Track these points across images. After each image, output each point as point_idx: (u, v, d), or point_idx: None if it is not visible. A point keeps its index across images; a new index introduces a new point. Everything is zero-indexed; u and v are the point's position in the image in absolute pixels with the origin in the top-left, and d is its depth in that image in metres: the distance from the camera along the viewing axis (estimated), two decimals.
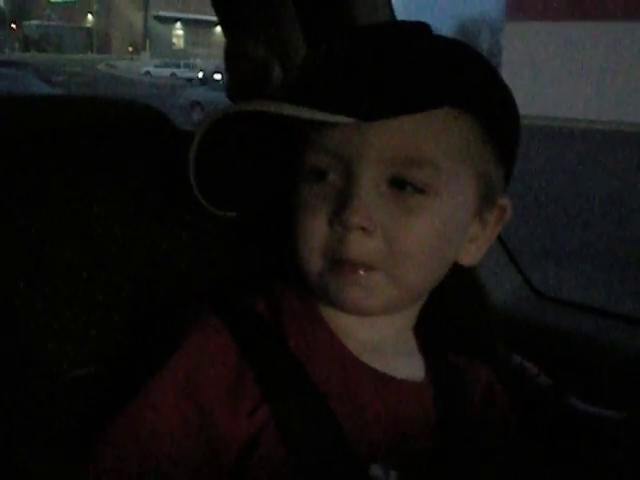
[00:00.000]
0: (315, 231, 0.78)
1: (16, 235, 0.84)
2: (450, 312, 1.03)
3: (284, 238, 0.82)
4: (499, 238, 1.36)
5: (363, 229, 0.76)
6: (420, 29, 0.82)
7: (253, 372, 0.77)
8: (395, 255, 0.77)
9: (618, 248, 6.66)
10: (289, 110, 0.72)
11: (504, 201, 0.87)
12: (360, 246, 0.76)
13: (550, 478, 0.93)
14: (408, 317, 0.88)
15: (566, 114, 23.02)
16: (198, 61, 50.36)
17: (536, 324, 1.24)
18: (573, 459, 0.97)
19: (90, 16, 70.24)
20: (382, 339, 0.85)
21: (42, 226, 0.85)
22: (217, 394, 0.75)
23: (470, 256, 0.87)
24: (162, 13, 67.07)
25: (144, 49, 61.02)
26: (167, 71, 47.98)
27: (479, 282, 1.14)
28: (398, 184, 0.77)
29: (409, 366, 0.87)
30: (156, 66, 49.40)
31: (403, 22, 0.93)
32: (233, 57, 1.29)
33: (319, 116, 0.72)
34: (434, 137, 0.77)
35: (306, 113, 0.72)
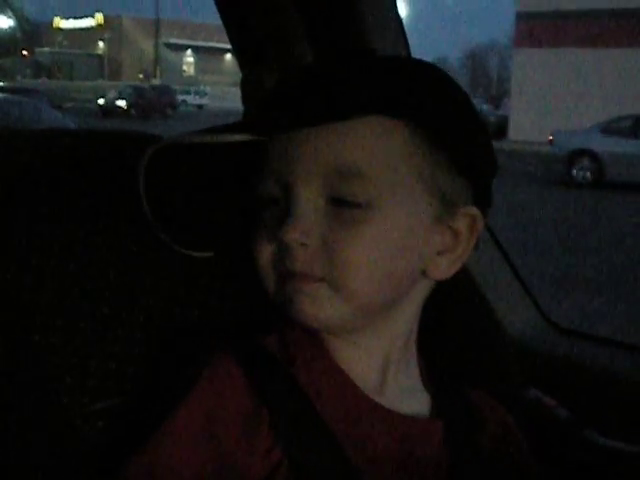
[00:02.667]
0: (262, 251, 0.81)
1: (35, 269, 0.84)
2: (463, 344, 1.03)
3: None
4: (512, 268, 1.35)
5: (302, 244, 0.77)
6: (364, 53, 0.84)
7: (267, 411, 0.76)
8: (336, 267, 0.77)
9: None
10: (194, 139, 0.81)
11: (472, 210, 0.84)
12: (301, 260, 0.78)
13: None
14: (388, 341, 0.85)
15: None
16: (208, 88, 50.79)
17: (552, 356, 1.23)
18: None
19: (101, 43, 70.92)
20: (387, 374, 0.84)
21: (61, 261, 0.85)
22: (235, 433, 0.75)
23: (440, 269, 0.84)
24: (173, 40, 67.70)
25: (154, 76, 61.53)
26: (178, 98, 48.37)
27: (493, 313, 1.14)
28: (336, 201, 0.78)
29: (416, 401, 0.86)
30: None
31: (350, 50, 0.98)
32: (250, 86, 1.30)
33: (220, 138, 0.80)
34: (363, 148, 0.78)
35: (205, 138, 0.81)
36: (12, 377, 0.79)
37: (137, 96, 33.74)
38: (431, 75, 0.82)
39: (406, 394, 0.85)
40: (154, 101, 34.26)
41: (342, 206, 0.78)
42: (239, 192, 0.88)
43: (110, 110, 31.89)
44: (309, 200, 0.78)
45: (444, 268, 0.85)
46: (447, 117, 0.82)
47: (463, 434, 0.86)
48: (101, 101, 33.49)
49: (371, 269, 0.78)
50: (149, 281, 0.90)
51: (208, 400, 0.76)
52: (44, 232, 0.87)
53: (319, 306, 0.79)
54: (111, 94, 34.08)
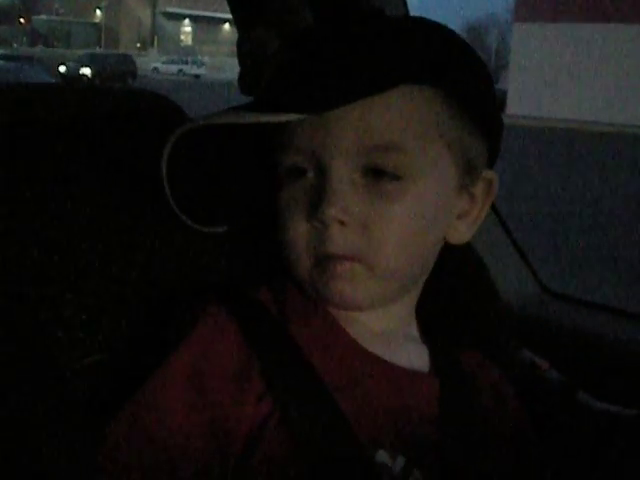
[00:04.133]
0: (296, 230, 0.79)
1: (27, 226, 0.84)
2: (460, 306, 1.03)
3: (273, 239, 0.83)
4: (510, 236, 1.35)
5: (340, 222, 0.76)
6: (374, 15, 0.82)
7: (258, 362, 0.77)
8: (373, 246, 0.77)
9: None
10: (233, 119, 0.75)
11: (489, 174, 0.86)
12: (339, 239, 0.76)
13: (560, 475, 0.93)
14: (407, 304, 0.87)
15: (574, 116, 23.02)
16: (206, 58, 50.54)
17: (546, 321, 1.24)
18: (582, 455, 0.97)
19: (99, 11, 70.40)
20: (385, 327, 0.84)
21: (51, 215, 0.85)
22: (224, 383, 0.75)
23: (460, 234, 0.86)
24: (170, 9, 67.21)
25: (152, 45, 61.18)
26: (174, 67, 48.18)
27: (489, 278, 1.14)
28: (372, 173, 0.77)
29: (414, 355, 0.86)
30: (164, 62, 49.62)
31: (357, 12, 0.94)
32: (246, 49, 1.29)
33: (264, 118, 0.74)
34: (398, 119, 0.77)
35: (250, 118, 0.74)
36: (3, 330, 0.79)
37: (99, 64, 32.22)
38: (453, 40, 0.81)
39: (406, 347, 0.86)
40: (115, 69, 32.69)
41: (379, 179, 0.77)
42: (256, 166, 0.86)
43: (73, 79, 29.94)
44: (346, 176, 0.77)
45: (463, 232, 0.86)
46: (473, 82, 0.82)
47: (457, 392, 0.87)
48: (62, 69, 31.82)
49: (407, 244, 0.78)
50: (143, 238, 0.89)
51: (198, 350, 0.76)
52: (49, 187, 0.86)
53: (356, 288, 0.78)
54: (71, 62, 32.71)
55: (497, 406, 0.91)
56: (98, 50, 46.72)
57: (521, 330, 1.19)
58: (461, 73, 0.80)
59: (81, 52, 38.43)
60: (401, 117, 0.77)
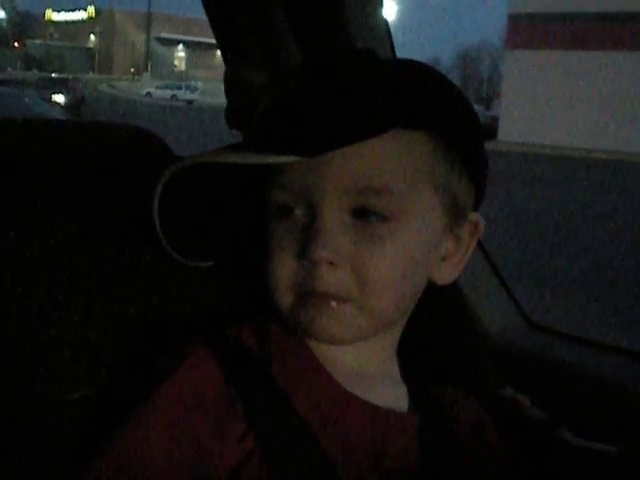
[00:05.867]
0: (284, 267, 0.79)
1: (10, 258, 0.84)
2: (440, 341, 1.03)
3: (258, 274, 0.83)
4: (492, 267, 1.36)
5: (330, 263, 0.77)
6: (365, 55, 0.83)
7: (240, 404, 0.77)
8: (364, 285, 0.78)
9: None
10: (227, 158, 0.77)
11: (475, 216, 0.87)
12: (329, 279, 0.77)
13: None
14: (389, 342, 0.88)
15: (565, 143, 23.12)
16: (199, 83, 50.65)
17: (529, 354, 1.23)
18: None
19: (93, 36, 70.59)
20: (366, 367, 0.85)
21: (35, 250, 0.85)
22: (207, 422, 0.76)
23: (445, 274, 0.87)
24: (164, 35, 67.47)
25: (145, 70, 61.33)
26: (168, 92, 48.23)
27: (471, 311, 1.14)
28: (361, 214, 0.78)
29: (393, 395, 0.87)
30: (157, 87, 49.71)
31: (348, 51, 0.95)
32: (233, 83, 1.30)
33: (255, 160, 0.75)
34: (389, 162, 0.78)
35: (243, 159, 0.76)
36: None
37: None
38: (443, 84, 0.82)
39: (386, 386, 0.86)
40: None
41: (367, 220, 0.78)
42: (245, 202, 0.87)
43: None
44: (335, 216, 0.78)
45: (448, 273, 0.87)
46: (462, 126, 0.83)
47: (436, 431, 0.87)
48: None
49: (395, 284, 0.79)
50: (125, 272, 0.90)
51: (181, 389, 0.76)
52: (35, 222, 0.87)
53: (342, 325, 0.79)
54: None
55: (476, 442, 0.92)
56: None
57: (504, 364, 1.19)
58: (451, 117, 0.82)
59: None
60: (391, 161, 0.78)
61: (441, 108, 0.81)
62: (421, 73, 0.82)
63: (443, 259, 0.86)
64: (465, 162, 0.83)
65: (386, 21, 1.28)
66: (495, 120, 26.93)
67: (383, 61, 0.83)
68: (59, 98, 26.37)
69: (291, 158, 0.74)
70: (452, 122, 0.81)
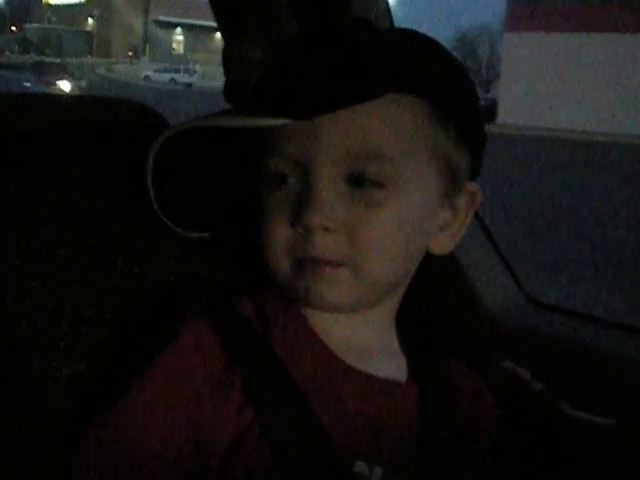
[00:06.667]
0: (279, 234, 0.80)
1: (6, 236, 0.84)
2: (441, 316, 1.03)
3: (255, 244, 0.83)
4: (493, 245, 1.36)
5: (325, 229, 0.77)
6: (361, 23, 0.82)
7: (239, 373, 0.77)
8: (359, 250, 0.78)
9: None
10: (220, 122, 0.76)
11: (473, 187, 0.87)
12: (324, 244, 0.77)
13: None
14: (386, 313, 0.87)
15: (564, 125, 23.11)
16: (198, 66, 50.51)
17: (529, 331, 1.24)
18: (563, 465, 0.97)
19: (91, 20, 70.34)
20: (363, 338, 0.85)
21: (31, 225, 0.85)
22: (205, 394, 0.76)
23: (441, 245, 0.87)
24: (162, 18, 67.20)
25: (144, 54, 61.14)
26: (166, 76, 48.07)
27: (472, 287, 1.14)
28: (356, 180, 0.78)
29: (391, 366, 0.87)
30: (155, 71, 49.54)
31: (344, 20, 0.95)
32: (231, 59, 1.29)
33: (250, 122, 0.75)
34: (383, 128, 0.77)
35: (236, 122, 0.75)
36: None
37: None
38: (441, 52, 0.82)
39: (384, 357, 0.86)
40: None
41: (363, 186, 0.78)
42: (239, 171, 0.87)
43: None
44: (330, 183, 0.77)
45: (445, 243, 0.87)
46: (459, 94, 0.83)
47: (436, 400, 0.87)
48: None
49: (391, 250, 0.79)
50: (123, 245, 0.90)
51: (179, 361, 0.76)
52: (31, 196, 0.87)
53: (339, 291, 0.79)
54: None
55: (477, 414, 0.92)
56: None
57: (505, 340, 1.19)
58: (448, 85, 0.81)
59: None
60: (387, 126, 0.77)
61: (437, 74, 0.80)
62: (418, 40, 0.81)
63: (441, 229, 0.86)
64: (462, 130, 0.82)
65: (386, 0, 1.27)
66: (494, 103, 26.90)
67: (379, 29, 0.83)
68: (64, 85, 24.84)
69: (284, 121, 0.74)
70: (448, 89, 0.81)
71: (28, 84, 12.32)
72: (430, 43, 0.81)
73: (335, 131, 0.76)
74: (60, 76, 25.48)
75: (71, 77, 26.37)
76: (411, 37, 0.81)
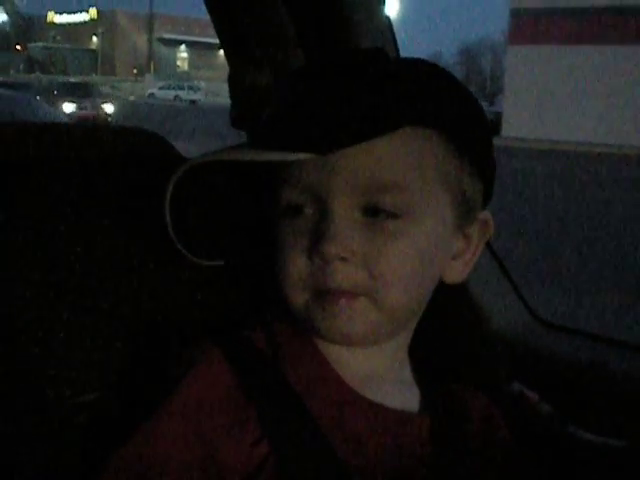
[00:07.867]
0: (295, 265, 0.79)
1: (19, 260, 0.85)
2: (449, 340, 1.03)
3: (269, 274, 0.83)
4: (500, 265, 1.36)
5: (342, 259, 0.77)
6: (376, 54, 0.83)
7: (255, 407, 0.77)
8: (376, 281, 0.78)
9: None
10: (242, 156, 0.77)
11: (485, 215, 0.88)
12: (341, 275, 0.77)
13: None
14: (400, 344, 0.87)
15: (568, 137, 23.09)
16: (202, 83, 50.68)
17: (538, 350, 1.23)
18: None
19: (95, 38, 70.66)
20: (377, 369, 0.85)
21: (44, 253, 0.86)
22: (221, 427, 0.76)
23: (455, 273, 0.87)
24: (166, 36, 67.52)
25: (148, 71, 61.37)
26: (171, 93, 48.28)
27: (480, 309, 1.14)
28: (372, 211, 0.78)
29: (404, 396, 0.87)
30: (160, 88, 49.75)
31: (359, 50, 0.95)
32: (237, 84, 1.30)
33: (269, 157, 0.75)
34: (400, 160, 0.78)
35: (259, 156, 0.76)
36: None
37: None
38: (452, 83, 0.83)
39: (397, 388, 0.86)
40: None
41: (378, 217, 0.78)
42: (253, 201, 0.87)
43: None
44: (346, 213, 0.78)
45: (458, 272, 0.87)
46: (473, 124, 0.83)
47: (449, 429, 0.87)
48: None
49: (407, 280, 0.79)
50: (137, 276, 0.90)
51: (194, 394, 0.76)
52: (44, 225, 0.87)
53: (355, 322, 0.79)
54: None
55: (487, 437, 0.92)
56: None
57: (513, 360, 1.19)
58: (463, 118, 0.82)
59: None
60: (402, 158, 0.78)
61: (451, 107, 0.81)
62: (431, 72, 0.82)
63: (453, 258, 0.86)
64: (475, 161, 0.83)
65: (389, 18, 1.28)
66: (499, 116, 26.90)
67: (393, 60, 0.83)
68: (108, 108, 22.17)
69: (305, 155, 0.74)
70: (462, 121, 0.82)
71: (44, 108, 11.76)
72: (443, 75, 0.82)
73: (351, 162, 0.77)
74: (91, 100, 22.20)
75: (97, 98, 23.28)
76: (425, 68, 0.82)
